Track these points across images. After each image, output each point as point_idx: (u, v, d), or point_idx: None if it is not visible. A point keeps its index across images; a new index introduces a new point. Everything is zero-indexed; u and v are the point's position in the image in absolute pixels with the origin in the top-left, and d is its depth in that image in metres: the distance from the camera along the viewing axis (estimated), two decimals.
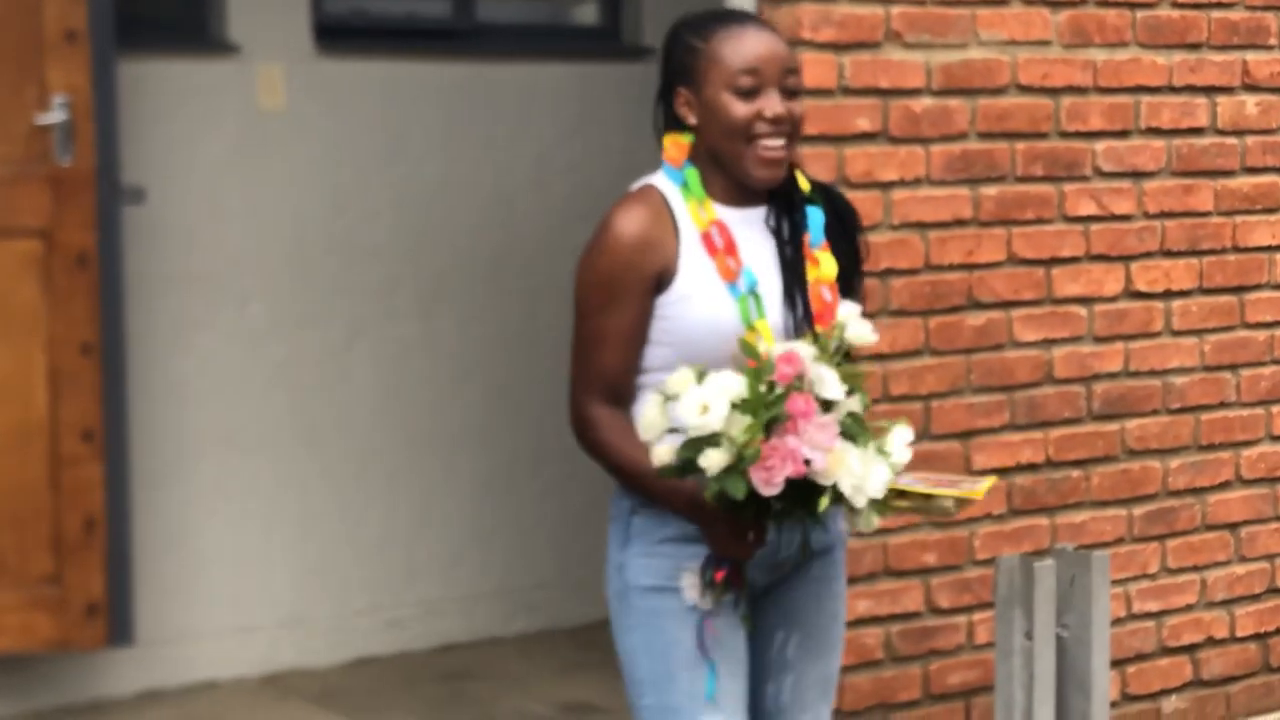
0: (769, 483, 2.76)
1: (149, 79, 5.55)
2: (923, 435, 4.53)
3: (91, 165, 5.07)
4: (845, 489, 2.79)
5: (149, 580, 5.56)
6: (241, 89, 5.71)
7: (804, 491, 2.80)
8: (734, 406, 2.78)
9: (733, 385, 2.81)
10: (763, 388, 2.80)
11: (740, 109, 3.02)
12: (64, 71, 5.04)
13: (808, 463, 2.76)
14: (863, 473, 2.80)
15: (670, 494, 2.97)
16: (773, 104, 3.01)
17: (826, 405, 2.80)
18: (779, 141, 3.02)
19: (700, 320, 2.99)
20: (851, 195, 4.34)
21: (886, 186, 4.45)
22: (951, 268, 4.56)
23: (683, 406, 2.81)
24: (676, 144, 3.07)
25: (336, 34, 5.93)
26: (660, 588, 3.04)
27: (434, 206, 6.06)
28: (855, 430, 2.82)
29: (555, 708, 5.44)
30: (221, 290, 5.70)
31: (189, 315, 5.65)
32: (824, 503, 2.80)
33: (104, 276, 5.10)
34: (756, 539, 2.95)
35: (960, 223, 4.56)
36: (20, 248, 5.04)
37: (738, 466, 2.78)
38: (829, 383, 2.82)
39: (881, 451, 2.86)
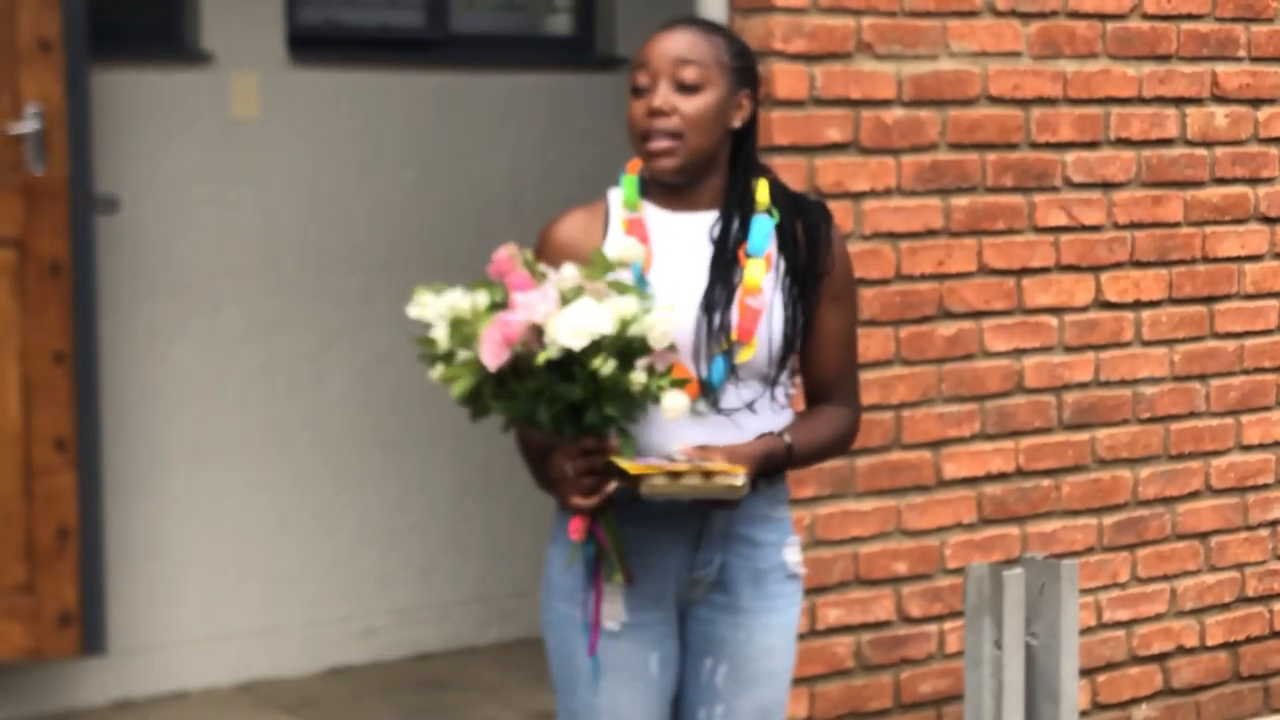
0: (492, 355, 2.77)
1: (122, 88, 5.55)
2: (894, 445, 4.55)
3: (65, 174, 5.07)
4: (564, 338, 2.76)
5: (122, 589, 5.56)
6: (215, 98, 5.71)
7: (553, 369, 2.79)
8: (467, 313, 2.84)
9: (457, 291, 2.87)
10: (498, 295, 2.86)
11: (633, 108, 3.04)
12: (37, 80, 5.04)
13: (537, 330, 2.77)
14: (579, 318, 2.76)
15: (532, 457, 3.04)
16: (656, 96, 3.01)
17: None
18: (663, 143, 3.01)
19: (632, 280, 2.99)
20: None
21: (857, 197, 4.47)
22: (922, 278, 4.58)
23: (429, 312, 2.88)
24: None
25: (310, 44, 5.94)
26: (570, 597, 3.07)
27: (408, 215, 6.07)
28: (579, 293, 2.82)
29: (530, 716, 5.44)
30: (194, 299, 5.71)
31: (162, 324, 5.65)
32: (544, 356, 2.75)
33: (77, 285, 5.10)
34: (582, 470, 2.89)
35: (931, 233, 4.58)
36: None
37: (467, 350, 2.83)
38: (561, 273, 2.85)
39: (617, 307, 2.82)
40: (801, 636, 4.42)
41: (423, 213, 6.10)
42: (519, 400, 2.84)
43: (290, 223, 5.87)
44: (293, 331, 5.87)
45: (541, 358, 2.78)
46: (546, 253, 3.07)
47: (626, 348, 2.81)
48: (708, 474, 2.83)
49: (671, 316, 2.84)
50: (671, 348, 2.91)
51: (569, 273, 2.86)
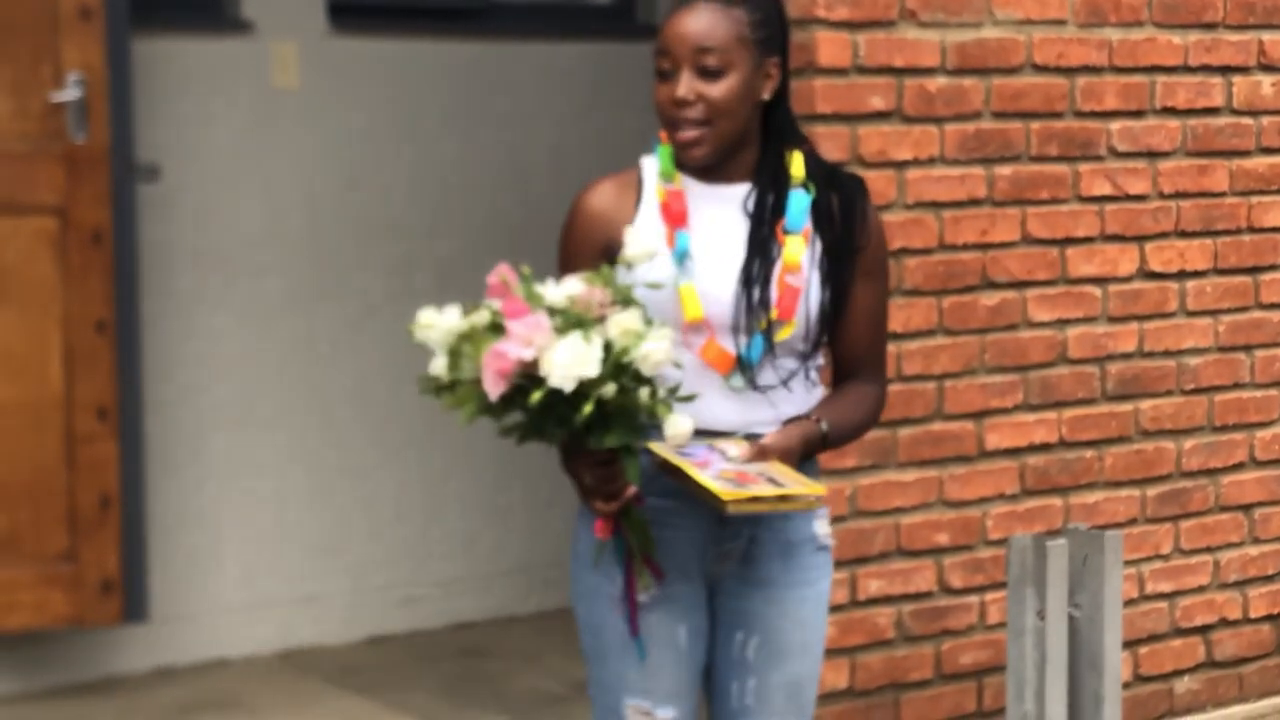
0: (491, 385, 2.75)
1: (163, 57, 5.55)
2: (936, 415, 4.53)
3: (106, 143, 5.08)
4: (555, 380, 2.72)
5: (164, 557, 5.58)
6: (255, 67, 5.71)
7: (554, 399, 2.75)
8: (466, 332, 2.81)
9: (455, 311, 2.83)
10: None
11: (659, 93, 3.02)
12: (79, 49, 5.04)
13: (530, 362, 2.73)
14: (566, 358, 2.72)
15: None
16: (679, 85, 2.98)
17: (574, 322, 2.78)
18: (691, 132, 2.98)
19: (639, 283, 2.94)
20: (865, 174, 4.34)
21: (900, 166, 4.44)
22: (965, 247, 4.55)
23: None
24: None
25: (350, 13, 5.93)
26: (600, 570, 3.05)
27: (449, 185, 6.07)
28: (572, 321, 2.77)
29: (570, 686, 5.45)
30: (235, 268, 5.71)
31: (203, 293, 5.66)
32: (537, 396, 2.72)
33: (118, 254, 5.11)
34: (601, 479, 2.88)
35: (974, 202, 4.55)
36: (35, 225, 5.06)
37: (466, 380, 2.80)
38: (556, 288, 2.82)
39: (613, 334, 2.77)
40: (842, 607, 4.41)
41: (463, 182, 6.09)
42: (529, 418, 2.81)
43: (331, 192, 5.87)
44: (333, 300, 5.88)
45: (535, 397, 2.75)
46: (580, 223, 3.05)
47: (625, 371, 2.77)
48: (784, 498, 2.82)
49: (667, 346, 2.79)
50: (677, 365, 2.90)
51: (567, 289, 2.81)
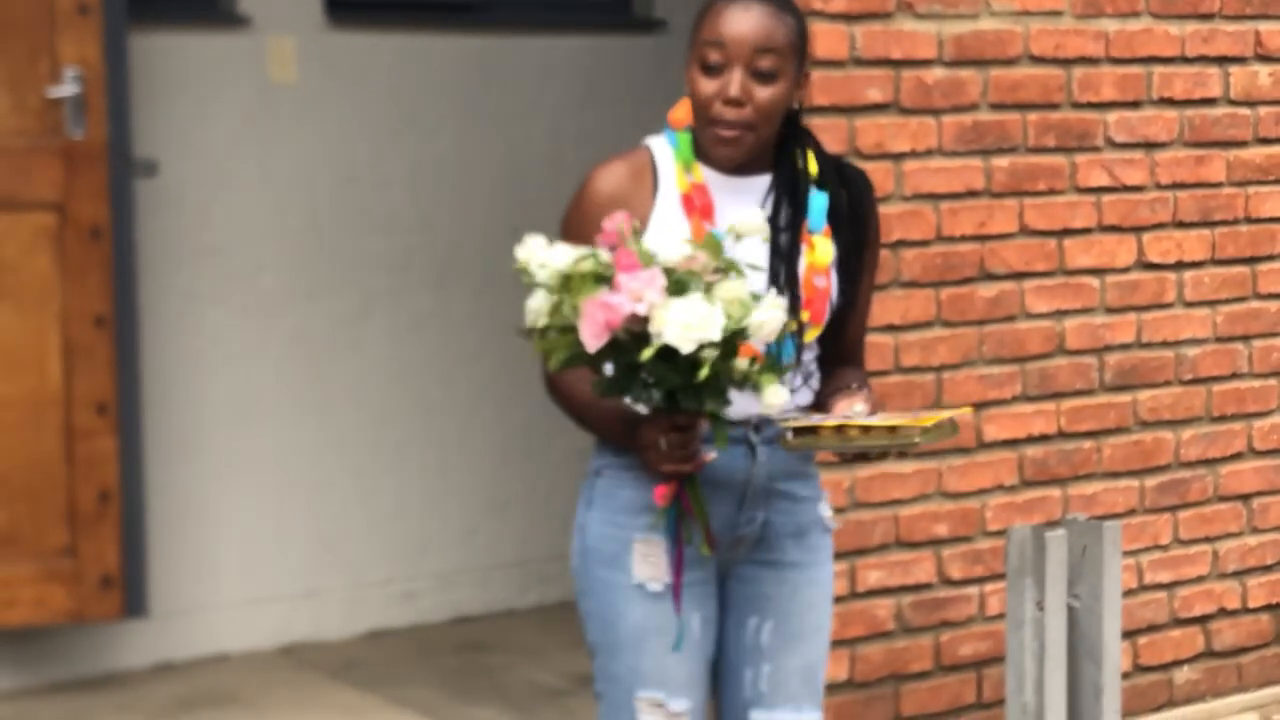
0: (592, 335, 2.72)
1: (161, 52, 5.55)
2: (934, 406, 4.54)
3: (103, 138, 5.08)
4: (672, 338, 2.70)
5: (163, 552, 5.58)
6: (253, 62, 5.71)
7: (665, 357, 2.73)
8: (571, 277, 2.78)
9: (566, 250, 2.79)
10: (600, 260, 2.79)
11: (703, 86, 2.96)
12: (76, 44, 5.04)
13: (639, 317, 2.71)
14: (689, 318, 2.70)
15: (603, 416, 2.98)
16: (731, 84, 2.93)
17: (681, 284, 2.75)
18: (733, 132, 2.95)
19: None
20: (863, 166, 4.33)
21: (898, 158, 4.44)
22: (963, 239, 4.56)
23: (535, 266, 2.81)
24: (685, 107, 3.05)
25: (347, 7, 5.93)
26: (611, 562, 3.05)
27: (446, 179, 6.07)
28: (688, 282, 2.74)
29: (569, 679, 5.45)
30: (234, 263, 5.71)
31: (202, 288, 5.66)
32: (648, 353, 2.71)
33: (117, 249, 5.11)
34: (675, 444, 2.86)
35: (972, 194, 4.56)
36: (33, 220, 5.06)
37: (568, 327, 2.77)
38: (670, 247, 2.79)
39: (726, 300, 2.75)
40: (842, 598, 4.41)
41: (461, 176, 6.09)
42: (617, 375, 2.79)
43: (328, 187, 5.87)
44: (332, 295, 5.88)
45: (646, 354, 2.72)
46: (591, 206, 3.00)
47: (731, 339, 2.76)
48: (893, 429, 2.84)
49: (781, 316, 2.79)
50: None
51: (677, 251, 2.78)
